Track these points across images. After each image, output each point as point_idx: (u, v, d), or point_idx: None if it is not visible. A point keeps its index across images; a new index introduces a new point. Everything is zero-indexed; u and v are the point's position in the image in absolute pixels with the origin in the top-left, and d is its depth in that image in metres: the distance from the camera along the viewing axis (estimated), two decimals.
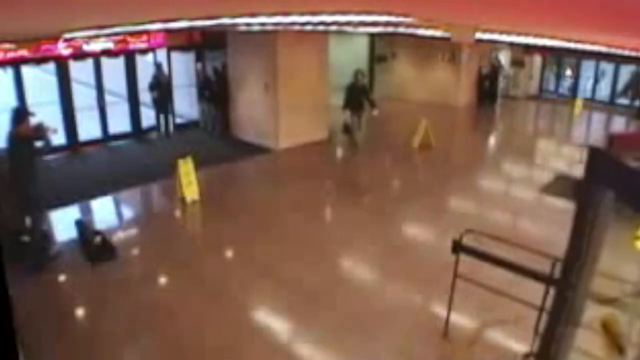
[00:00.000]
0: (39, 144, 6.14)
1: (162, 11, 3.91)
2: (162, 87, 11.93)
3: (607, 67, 17.90)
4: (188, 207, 8.26)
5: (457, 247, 4.67)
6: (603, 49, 9.04)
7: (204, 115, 12.90)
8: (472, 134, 15.14)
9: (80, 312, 5.71)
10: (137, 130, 12.09)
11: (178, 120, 12.97)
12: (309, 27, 8.09)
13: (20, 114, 6.06)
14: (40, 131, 6.17)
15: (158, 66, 11.92)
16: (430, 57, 17.09)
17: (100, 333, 5.13)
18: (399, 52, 17.88)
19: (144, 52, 11.70)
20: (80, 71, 11.48)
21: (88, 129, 11.26)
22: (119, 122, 11.86)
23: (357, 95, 11.13)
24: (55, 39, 9.49)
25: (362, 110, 11.34)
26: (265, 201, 8.91)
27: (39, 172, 6.31)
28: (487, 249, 4.68)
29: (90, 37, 9.76)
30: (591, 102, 17.52)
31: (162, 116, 12.26)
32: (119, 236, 7.27)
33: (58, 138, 9.53)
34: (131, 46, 11.14)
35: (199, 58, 12.66)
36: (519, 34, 6.73)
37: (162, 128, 12.37)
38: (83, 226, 7.07)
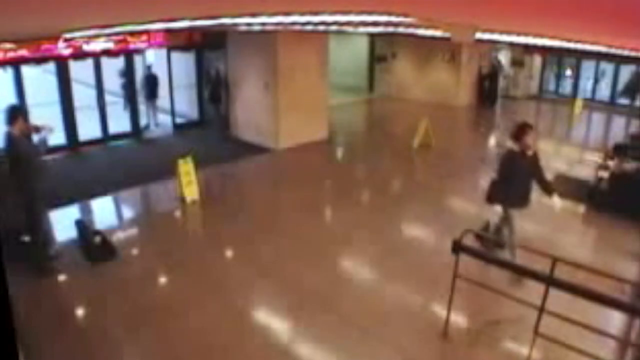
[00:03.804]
0: (35, 140, 6.08)
1: (162, 11, 3.91)
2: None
3: (607, 67, 17.91)
4: (188, 206, 8.26)
5: (457, 247, 4.67)
6: (603, 49, 9.04)
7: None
8: (472, 133, 15.15)
9: (80, 312, 5.70)
10: (136, 130, 12.10)
11: (178, 120, 13.00)
12: (309, 27, 8.08)
13: (12, 113, 5.86)
14: (30, 129, 6.11)
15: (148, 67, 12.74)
16: (430, 57, 17.11)
17: (100, 333, 5.13)
18: (399, 52, 17.89)
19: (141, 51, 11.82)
20: (81, 71, 11.48)
21: (88, 128, 11.26)
22: (119, 122, 11.87)
23: (528, 177, 5.82)
24: (55, 39, 9.48)
25: (527, 204, 6.00)
26: (265, 201, 8.91)
27: (40, 172, 6.28)
28: (487, 249, 4.68)
29: (90, 37, 9.76)
30: (591, 102, 17.53)
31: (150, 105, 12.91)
32: (119, 236, 7.27)
33: (58, 138, 9.63)
34: (131, 46, 11.15)
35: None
36: (519, 34, 6.72)
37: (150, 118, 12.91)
38: (83, 226, 7.07)
